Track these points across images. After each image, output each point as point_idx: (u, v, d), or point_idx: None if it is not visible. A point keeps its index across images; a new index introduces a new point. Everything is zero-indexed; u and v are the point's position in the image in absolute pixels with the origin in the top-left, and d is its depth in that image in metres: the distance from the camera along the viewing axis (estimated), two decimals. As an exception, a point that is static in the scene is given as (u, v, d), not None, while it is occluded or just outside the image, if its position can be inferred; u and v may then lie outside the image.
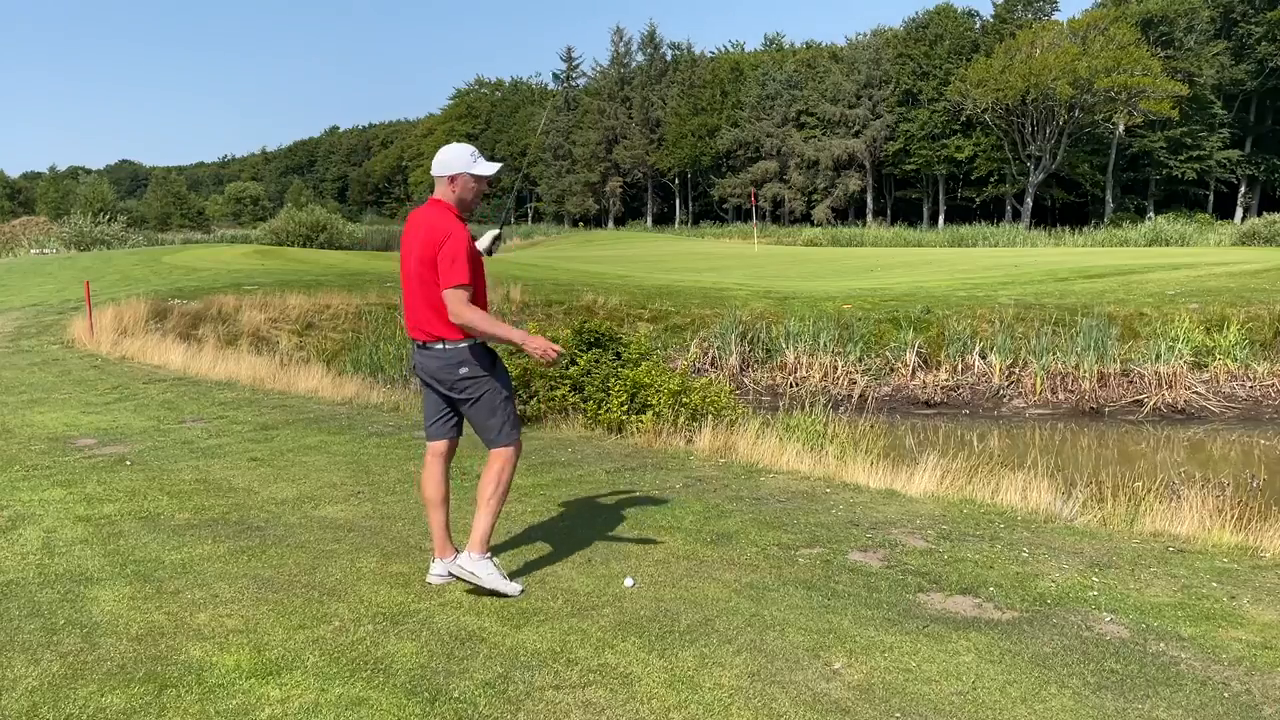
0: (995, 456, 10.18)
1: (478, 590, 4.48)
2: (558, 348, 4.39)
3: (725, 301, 20.09)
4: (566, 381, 9.54)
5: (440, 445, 4.65)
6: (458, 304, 4.30)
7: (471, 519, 4.58)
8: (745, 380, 17.75)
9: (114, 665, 3.79)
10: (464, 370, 4.40)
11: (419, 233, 4.42)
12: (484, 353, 4.49)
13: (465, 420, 4.65)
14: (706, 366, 17.84)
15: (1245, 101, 62.91)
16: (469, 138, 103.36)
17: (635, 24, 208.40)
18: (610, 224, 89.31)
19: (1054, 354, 16.99)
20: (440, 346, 4.41)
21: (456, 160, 4.45)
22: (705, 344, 18.31)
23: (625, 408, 8.98)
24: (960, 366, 17.48)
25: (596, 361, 9.61)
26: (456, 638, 4.08)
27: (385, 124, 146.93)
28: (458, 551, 4.63)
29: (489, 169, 4.51)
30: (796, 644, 4.08)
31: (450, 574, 4.59)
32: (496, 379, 4.51)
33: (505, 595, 4.47)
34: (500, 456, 4.51)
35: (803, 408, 11.97)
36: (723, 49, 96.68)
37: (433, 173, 4.52)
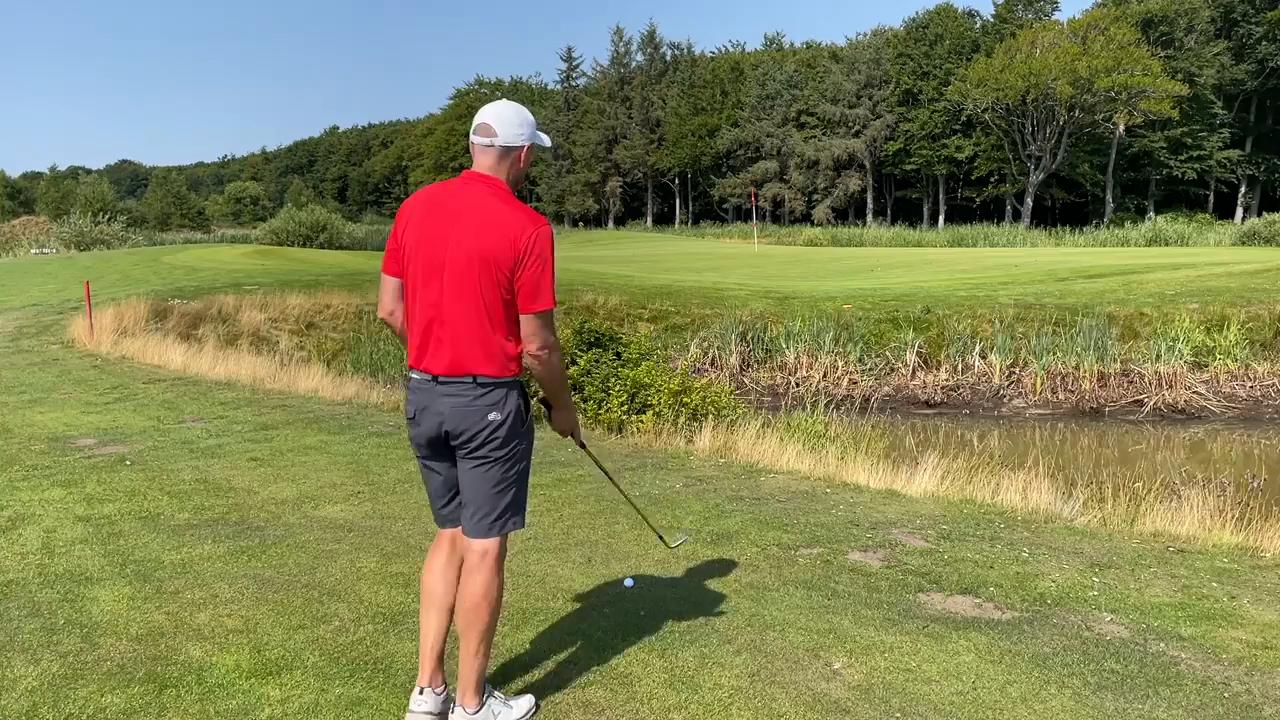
0: (995, 456, 10.18)
1: None
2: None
3: (725, 301, 20.09)
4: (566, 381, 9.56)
5: (456, 531, 3.39)
6: (549, 333, 3.22)
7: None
8: (745, 380, 17.75)
9: (114, 665, 3.79)
10: (494, 416, 3.19)
11: (476, 220, 3.15)
12: (524, 394, 3.31)
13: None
14: (706, 366, 17.84)
15: (1245, 101, 62.89)
16: (469, 137, 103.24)
17: (635, 24, 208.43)
18: (610, 224, 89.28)
19: (1054, 354, 16.99)
20: (471, 381, 3.16)
21: (529, 123, 3.27)
22: (705, 344, 18.31)
23: (625, 408, 8.99)
24: (960, 366, 17.48)
25: (596, 361, 9.62)
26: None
27: (385, 124, 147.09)
28: (447, 684, 3.41)
29: (547, 140, 3.42)
30: (796, 644, 4.08)
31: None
32: (527, 438, 3.34)
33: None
34: (492, 553, 3.26)
35: (803, 408, 11.97)
36: (723, 49, 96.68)
37: (499, 137, 3.23)
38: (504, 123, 3.23)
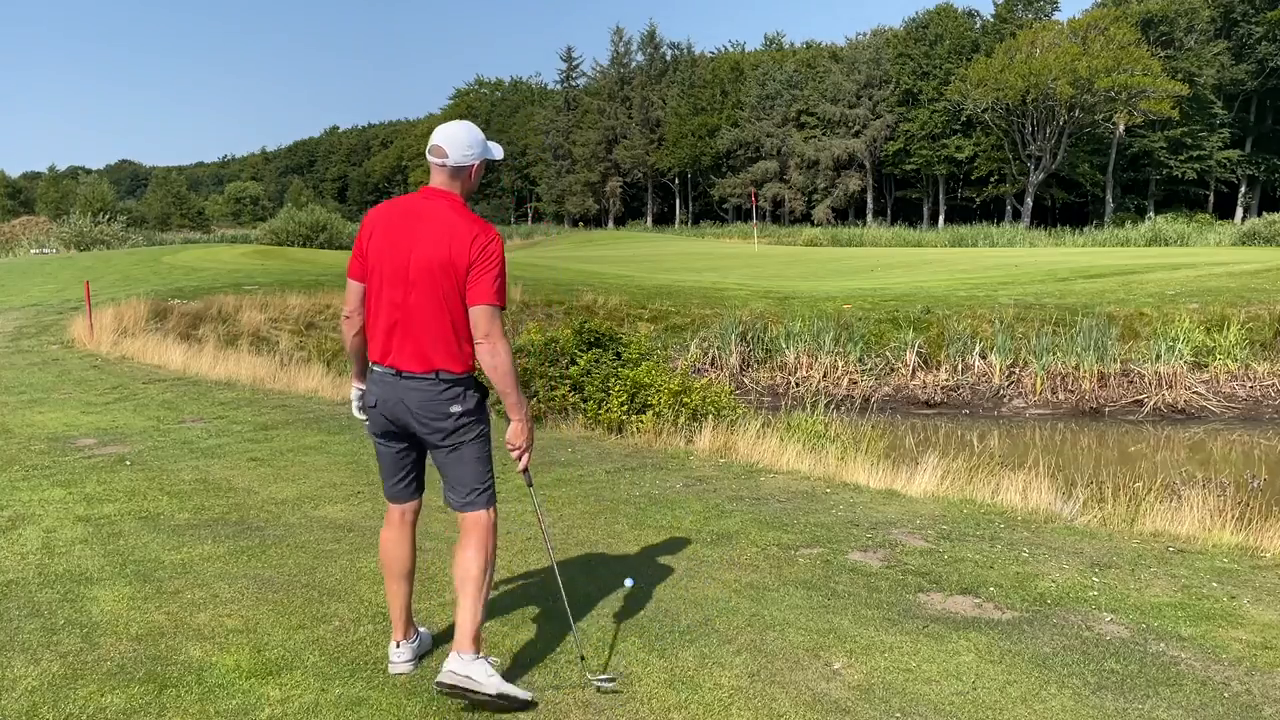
0: (995, 456, 10.18)
1: (476, 702, 3.45)
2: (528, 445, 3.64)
3: (725, 301, 20.10)
4: (566, 381, 9.55)
5: (411, 506, 3.80)
6: (494, 325, 3.45)
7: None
8: (745, 380, 17.75)
9: (114, 665, 3.79)
10: (456, 408, 3.51)
11: (435, 231, 3.45)
12: (480, 386, 3.64)
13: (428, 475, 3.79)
14: (706, 366, 17.84)
15: (1245, 101, 62.91)
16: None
17: (635, 24, 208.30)
18: (610, 224, 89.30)
19: (1054, 354, 16.99)
20: (434, 377, 3.48)
21: (479, 142, 3.57)
22: (705, 344, 18.31)
23: (625, 408, 8.99)
24: (960, 366, 17.48)
25: (596, 361, 9.62)
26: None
27: (385, 124, 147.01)
28: (418, 633, 3.91)
29: (499, 151, 3.73)
30: (796, 644, 4.08)
31: (414, 663, 3.82)
32: (486, 421, 3.67)
33: (515, 701, 3.49)
34: (483, 522, 3.60)
35: (803, 408, 11.97)
36: (723, 49, 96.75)
37: (450, 158, 3.52)
38: (455, 144, 3.54)
